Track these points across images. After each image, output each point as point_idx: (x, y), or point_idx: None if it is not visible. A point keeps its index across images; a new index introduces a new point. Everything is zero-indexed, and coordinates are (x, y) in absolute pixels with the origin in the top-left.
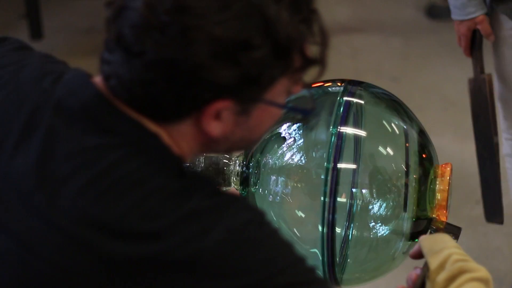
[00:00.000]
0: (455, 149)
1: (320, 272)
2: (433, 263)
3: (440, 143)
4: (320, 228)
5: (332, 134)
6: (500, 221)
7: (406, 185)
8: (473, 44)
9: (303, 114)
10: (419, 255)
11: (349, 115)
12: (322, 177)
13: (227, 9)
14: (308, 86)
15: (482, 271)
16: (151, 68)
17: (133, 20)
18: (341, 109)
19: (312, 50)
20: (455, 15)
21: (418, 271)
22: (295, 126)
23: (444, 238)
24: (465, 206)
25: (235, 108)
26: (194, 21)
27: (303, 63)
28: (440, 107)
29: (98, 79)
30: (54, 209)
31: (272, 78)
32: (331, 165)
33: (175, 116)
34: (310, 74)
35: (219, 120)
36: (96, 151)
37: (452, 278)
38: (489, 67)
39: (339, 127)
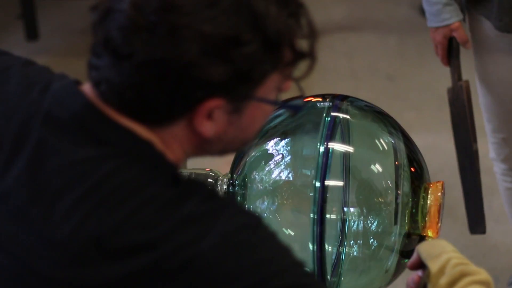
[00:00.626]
0: (451, 147)
1: None
2: (433, 267)
3: (436, 141)
4: (310, 246)
5: (319, 151)
6: (482, 231)
7: (397, 201)
8: (450, 52)
9: (294, 110)
10: (417, 265)
11: (336, 130)
12: (311, 194)
13: (216, 6)
14: (297, 81)
15: (482, 274)
16: (141, 69)
17: (120, 22)
18: (328, 125)
19: (302, 44)
20: (431, 22)
21: (419, 273)
22: (283, 143)
23: (442, 243)
24: (462, 205)
25: (227, 107)
26: (183, 19)
27: (293, 57)
28: (435, 105)
29: (86, 87)
30: (48, 224)
31: (263, 73)
32: (319, 182)
33: (168, 118)
34: (301, 69)
35: (211, 120)
36: (89, 163)
37: (453, 282)
38: (469, 72)
39: (326, 143)
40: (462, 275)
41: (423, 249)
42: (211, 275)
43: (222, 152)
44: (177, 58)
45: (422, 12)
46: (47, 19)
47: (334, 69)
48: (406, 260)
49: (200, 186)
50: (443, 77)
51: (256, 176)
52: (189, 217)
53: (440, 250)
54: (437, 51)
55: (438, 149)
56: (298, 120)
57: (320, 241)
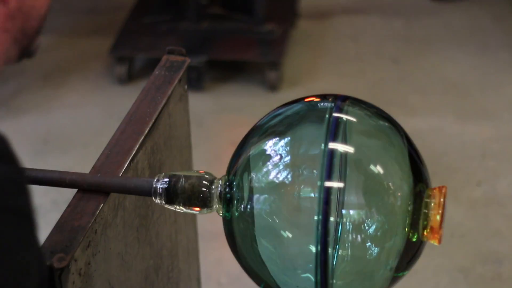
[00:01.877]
0: (456, 131)
1: None
2: None
3: (441, 125)
4: (313, 248)
5: (322, 151)
6: None
7: (397, 205)
8: None
9: None
10: None
11: (339, 131)
12: (313, 195)
13: None
14: None
15: None
16: None
17: None
18: (331, 125)
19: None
20: None
21: None
22: (282, 143)
23: None
24: (466, 188)
25: None
26: None
27: None
28: (441, 89)
29: None
30: None
31: None
32: (323, 184)
33: None
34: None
35: None
36: None
37: None
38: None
39: (329, 144)
40: None
41: None
42: None
43: (21, 32)
44: None
45: None
46: None
47: (340, 51)
48: (405, 271)
49: None
50: (449, 61)
51: (254, 177)
52: None
53: None
54: None
55: (443, 132)
56: (299, 120)
57: (324, 244)
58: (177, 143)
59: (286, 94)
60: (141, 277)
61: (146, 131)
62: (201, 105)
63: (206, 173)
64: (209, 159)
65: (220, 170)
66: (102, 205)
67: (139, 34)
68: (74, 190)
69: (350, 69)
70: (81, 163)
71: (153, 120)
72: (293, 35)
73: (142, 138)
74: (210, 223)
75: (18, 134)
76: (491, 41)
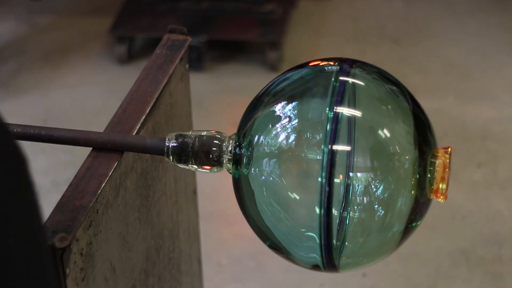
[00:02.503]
0: (456, 112)
1: (317, 256)
2: None
3: (441, 106)
4: (317, 210)
5: (328, 115)
6: None
7: (404, 166)
8: None
9: None
10: None
11: (345, 95)
12: (317, 158)
13: None
14: None
15: None
16: None
17: None
18: (337, 89)
19: None
20: None
21: None
22: (290, 106)
23: None
24: (467, 170)
25: None
26: None
27: None
28: (441, 70)
29: None
30: None
31: None
32: (328, 147)
33: None
34: None
35: None
36: None
37: None
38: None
39: (335, 107)
40: None
41: None
42: None
43: None
44: None
45: None
46: None
47: (340, 31)
48: (414, 224)
49: None
50: (449, 42)
51: (263, 139)
52: None
53: None
54: None
55: (443, 114)
56: (306, 84)
57: (328, 206)
58: (178, 122)
59: None
60: (142, 257)
61: (148, 110)
62: (201, 85)
63: (217, 132)
64: None
65: None
66: (103, 184)
67: (139, 14)
68: (74, 173)
69: (351, 49)
70: None
71: (154, 99)
72: (294, 15)
73: (143, 118)
74: (210, 204)
75: (18, 114)
76: (492, 22)
